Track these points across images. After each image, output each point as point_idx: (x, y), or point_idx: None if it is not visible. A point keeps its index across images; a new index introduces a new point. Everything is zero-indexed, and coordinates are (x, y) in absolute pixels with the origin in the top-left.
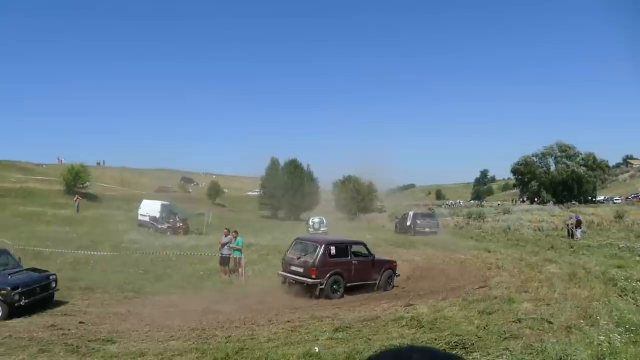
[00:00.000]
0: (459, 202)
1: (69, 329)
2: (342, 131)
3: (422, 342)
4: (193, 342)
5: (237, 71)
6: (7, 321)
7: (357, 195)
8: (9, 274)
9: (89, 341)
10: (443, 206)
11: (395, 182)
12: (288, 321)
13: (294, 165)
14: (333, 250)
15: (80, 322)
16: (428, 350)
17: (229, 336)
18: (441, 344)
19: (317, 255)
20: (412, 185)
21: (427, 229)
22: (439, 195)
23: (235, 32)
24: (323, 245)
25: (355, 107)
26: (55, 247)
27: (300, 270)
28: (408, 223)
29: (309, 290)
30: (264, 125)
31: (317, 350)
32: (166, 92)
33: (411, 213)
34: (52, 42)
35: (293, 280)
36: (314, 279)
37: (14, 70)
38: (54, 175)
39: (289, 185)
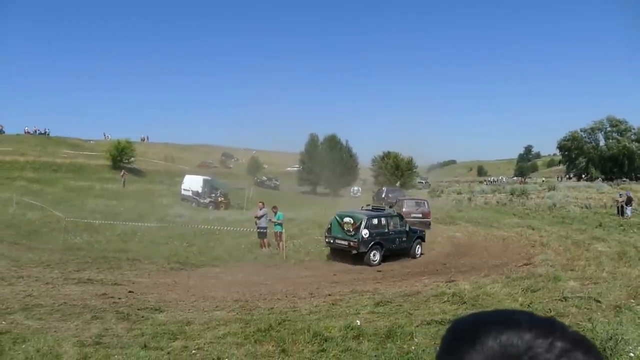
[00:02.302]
0: (502, 178)
1: (119, 298)
2: (383, 106)
3: None
4: (237, 313)
5: (279, 47)
6: (60, 290)
7: (397, 171)
8: None
9: (138, 309)
10: (485, 182)
11: (435, 158)
12: (329, 295)
13: (333, 141)
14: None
15: (130, 292)
16: (527, 312)
17: (272, 308)
18: None
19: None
20: (453, 162)
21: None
22: (481, 171)
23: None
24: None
25: (397, 83)
26: (104, 220)
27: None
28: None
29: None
30: (304, 101)
31: (358, 324)
32: (208, 69)
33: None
34: (96, 21)
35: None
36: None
37: (65, 51)
38: (101, 151)
39: (328, 160)
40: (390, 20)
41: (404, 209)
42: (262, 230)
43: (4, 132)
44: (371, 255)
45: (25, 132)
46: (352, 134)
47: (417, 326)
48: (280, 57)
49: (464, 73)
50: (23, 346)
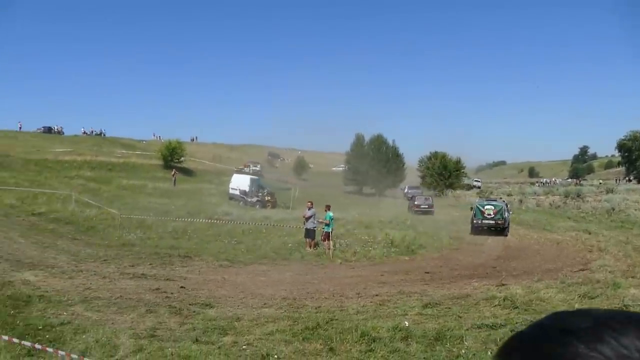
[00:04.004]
0: (555, 180)
1: (171, 293)
2: (430, 105)
3: (516, 323)
4: (285, 311)
5: (326, 46)
6: (117, 284)
7: (444, 172)
8: None
9: (189, 305)
10: (537, 184)
11: (484, 158)
12: (376, 295)
13: (379, 141)
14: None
15: (181, 287)
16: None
17: (319, 307)
18: None
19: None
20: (503, 162)
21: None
22: (532, 172)
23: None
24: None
25: (446, 82)
26: (156, 217)
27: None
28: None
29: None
30: (350, 101)
31: (406, 325)
32: (256, 68)
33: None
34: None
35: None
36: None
37: (119, 54)
38: (152, 151)
39: (374, 161)
40: (436, 19)
41: (416, 202)
42: (309, 230)
43: (63, 133)
44: (508, 230)
45: (82, 133)
46: (399, 133)
47: (467, 330)
48: (327, 56)
49: (514, 72)
50: (83, 336)
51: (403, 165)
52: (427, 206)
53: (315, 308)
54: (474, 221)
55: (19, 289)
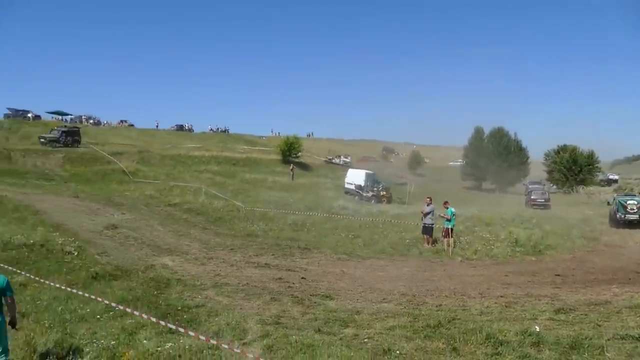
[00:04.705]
0: None
1: (293, 283)
2: (558, 96)
3: None
4: (404, 307)
5: (441, 39)
6: (243, 272)
7: (574, 166)
8: None
9: (310, 295)
10: None
11: (622, 152)
12: (501, 296)
13: (500, 134)
14: None
15: (302, 278)
16: None
17: (440, 305)
18: None
19: None
20: None
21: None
22: None
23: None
24: None
25: (573, 74)
26: (277, 210)
27: (637, 217)
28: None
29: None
30: (468, 93)
31: (537, 330)
32: (368, 64)
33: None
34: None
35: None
36: None
37: (238, 54)
38: (272, 146)
39: (494, 155)
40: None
41: (532, 196)
42: (428, 226)
43: (193, 131)
44: None
45: (209, 130)
46: (522, 126)
47: (608, 340)
48: (444, 48)
49: None
50: (216, 319)
51: (526, 159)
52: (543, 200)
53: (436, 306)
54: (617, 215)
55: (160, 272)
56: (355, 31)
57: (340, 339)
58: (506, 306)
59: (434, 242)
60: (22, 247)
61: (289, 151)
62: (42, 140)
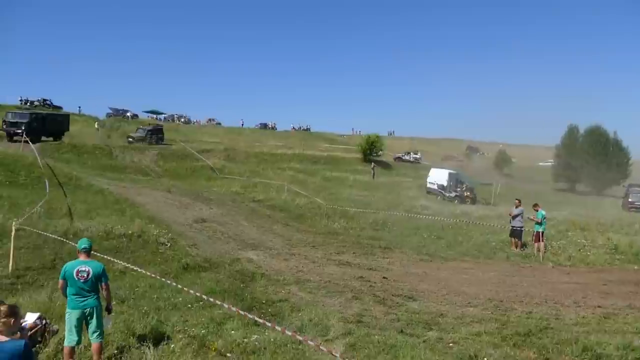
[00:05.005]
0: None
1: (374, 282)
2: None
3: None
4: (491, 312)
5: (529, 33)
6: (324, 269)
7: None
8: None
9: (392, 295)
10: None
11: None
12: (599, 306)
13: (597, 133)
14: None
15: (384, 278)
16: None
17: (530, 312)
18: None
19: None
20: None
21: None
22: None
23: None
24: None
25: None
26: (357, 208)
27: None
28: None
29: None
30: (560, 89)
31: None
32: (451, 60)
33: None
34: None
35: None
36: None
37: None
38: (352, 145)
39: (590, 155)
40: None
41: (629, 199)
42: (516, 230)
43: (276, 129)
44: None
45: (292, 129)
46: (623, 124)
47: None
48: (535, 40)
49: None
50: (299, 314)
51: (627, 160)
52: None
53: (526, 313)
54: None
55: (245, 265)
56: (440, 25)
57: (424, 341)
58: (605, 317)
59: (523, 246)
60: (121, 237)
61: (370, 150)
62: (130, 139)
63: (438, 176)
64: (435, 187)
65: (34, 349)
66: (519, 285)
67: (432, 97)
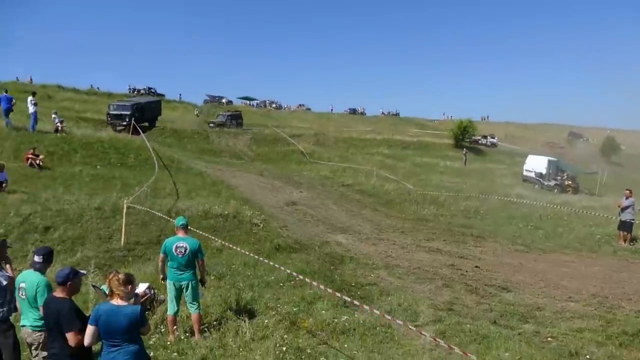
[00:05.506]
0: None
1: (466, 271)
2: None
3: None
4: (594, 309)
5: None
6: (414, 255)
7: None
8: None
9: (485, 285)
10: None
11: None
12: None
13: None
14: None
15: (476, 267)
16: None
17: (639, 311)
18: None
19: None
20: None
21: None
22: None
23: None
24: None
25: None
26: (448, 195)
27: None
28: None
29: None
30: None
31: None
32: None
33: None
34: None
35: None
36: None
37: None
38: (442, 130)
39: None
40: None
41: None
42: (626, 222)
43: (365, 114)
44: None
45: (381, 114)
46: None
47: None
48: None
49: None
50: (388, 298)
51: None
52: None
53: (635, 312)
54: None
55: (334, 248)
56: (537, 12)
57: (519, 334)
58: None
59: (633, 240)
60: (218, 217)
61: (462, 135)
62: (212, 125)
63: (536, 163)
64: (533, 175)
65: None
66: (628, 282)
67: (530, 81)
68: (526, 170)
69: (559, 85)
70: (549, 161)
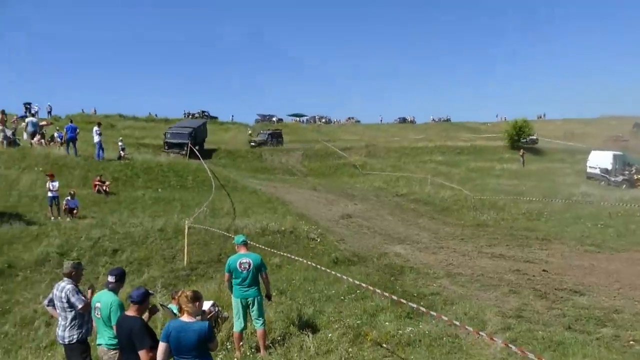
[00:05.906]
0: None
1: (533, 275)
2: None
3: None
4: None
5: None
6: (476, 262)
7: None
8: None
9: (555, 289)
10: None
11: None
12: None
13: None
14: None
15: (544, 270)
16: None
17: None
18: None
19: None
20: None
21: None
22: None
23: None
24: None
25: None
26: (508, 198)
27: None
28: None
29: None
30: None
31: None
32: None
33: None
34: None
35: None
36: None
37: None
38: (497, 132)
39: None
40: None
41: None
42: None
43: (415, 122)
44: None
45: (431, 121)
46: None
47: None
48: None
49: None
50: (453, 307)
51: None
52: None
53: None
54: None
55: (393, 259)
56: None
57: (597, 339)
58: None
59: None
60: (276, 233)
61: (518, 136)
62: (253, 144)
63: (600, 159)
64: (598, 171)
65: None
66: None
67: (586, 72)
68: (590, 167)
69: (617, 75)
70: (615, 156)
